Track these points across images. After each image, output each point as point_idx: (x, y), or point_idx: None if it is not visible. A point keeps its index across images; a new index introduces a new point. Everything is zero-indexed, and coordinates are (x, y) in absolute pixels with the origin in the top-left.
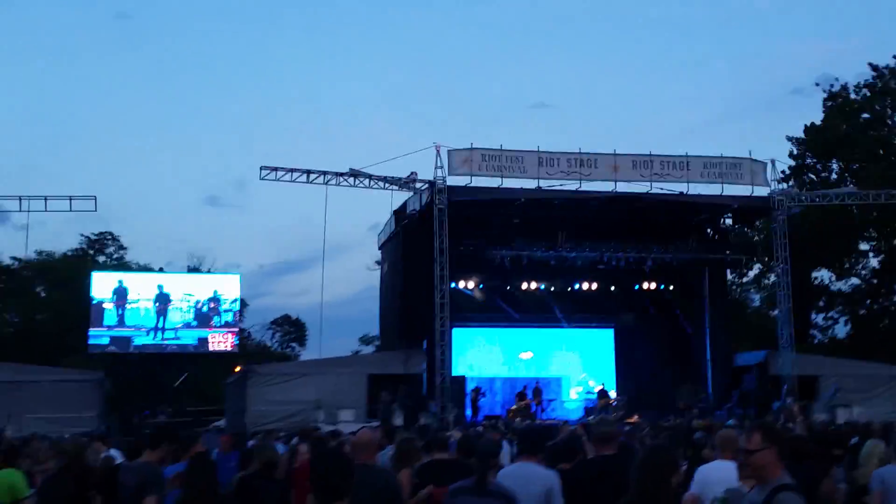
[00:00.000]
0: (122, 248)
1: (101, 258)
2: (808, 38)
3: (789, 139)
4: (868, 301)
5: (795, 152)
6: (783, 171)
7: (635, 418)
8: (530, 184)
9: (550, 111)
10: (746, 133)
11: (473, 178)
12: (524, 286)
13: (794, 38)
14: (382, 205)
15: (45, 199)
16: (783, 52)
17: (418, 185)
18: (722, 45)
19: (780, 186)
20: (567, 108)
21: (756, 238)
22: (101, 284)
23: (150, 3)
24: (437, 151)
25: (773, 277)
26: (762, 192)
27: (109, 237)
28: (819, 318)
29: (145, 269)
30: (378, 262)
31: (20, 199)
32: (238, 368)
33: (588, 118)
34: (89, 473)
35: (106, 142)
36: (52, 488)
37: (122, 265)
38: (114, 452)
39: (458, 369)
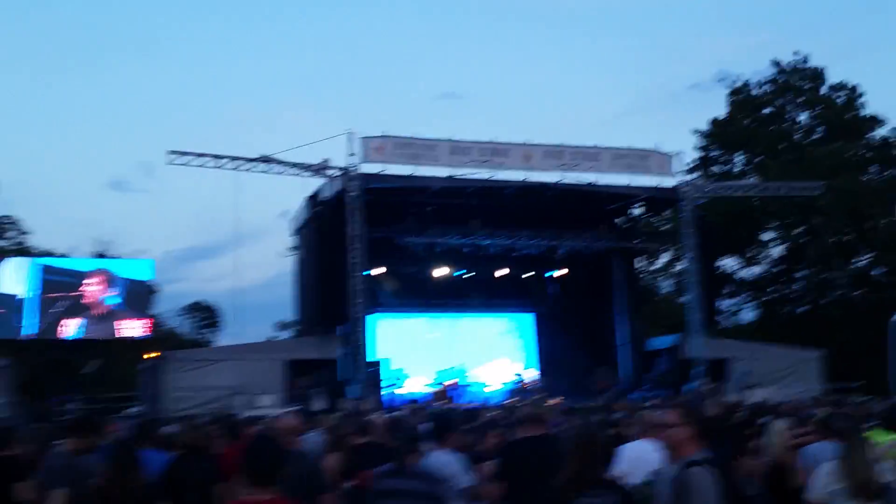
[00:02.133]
0: (23, 232)
1: (2, 243)
2: (707, 34)
3: (696, 132)
4: (772, 288)
5: (701, 145)
6: (689, 163)
7: (558, 400)
8: (443, 172)
9: (463, 101)
10: (652, 126)
11: (387, 166)
12: (438, 273)
13: (693, 35)
14: (295, 191)
15: None
16: (683, 47)
17: (331, 172)
18: (627, 39)
19: (687, 178)
20: (478, 99)
21: (664, 227)
22: (11, 271)
23: None
24: (350, 138)
25: (681, 265)
26: (670, 182)
27: (10, 221)
28: (725, 305)
29: (48, 254)
30: (291, 249)
31: None
32: (150, 355)
33: (500, 109)
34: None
35: (5, 124)
36: None
37: (23, 250)
38: None
39: (379, 355)
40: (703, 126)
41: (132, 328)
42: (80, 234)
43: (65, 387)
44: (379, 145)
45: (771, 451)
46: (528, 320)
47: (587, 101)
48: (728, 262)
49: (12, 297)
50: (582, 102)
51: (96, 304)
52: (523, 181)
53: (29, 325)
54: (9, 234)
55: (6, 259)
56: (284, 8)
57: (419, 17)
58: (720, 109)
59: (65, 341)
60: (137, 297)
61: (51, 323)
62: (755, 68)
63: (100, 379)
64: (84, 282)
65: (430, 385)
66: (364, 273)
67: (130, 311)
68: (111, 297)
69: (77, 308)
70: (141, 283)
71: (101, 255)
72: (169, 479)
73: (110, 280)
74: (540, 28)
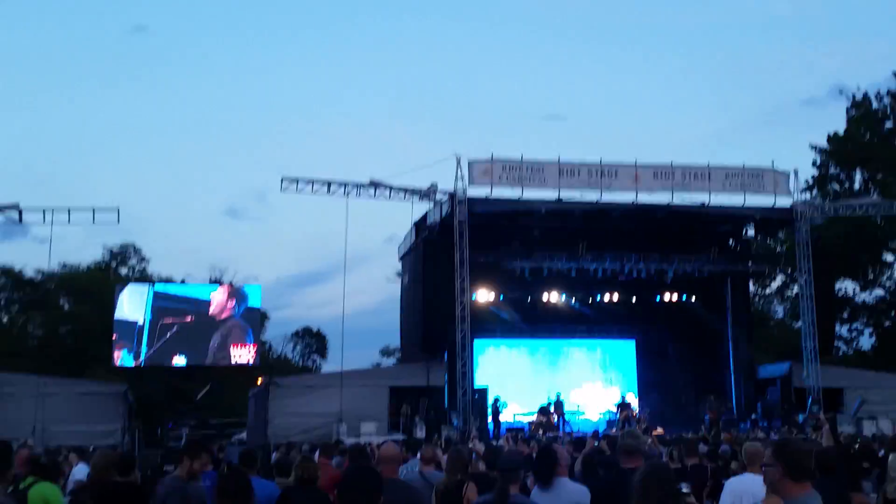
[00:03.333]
0: (143, 259)
1: (124, 270)
2: (820, 47)
3: (812, 148)
4: (893, 312)
5: (819, 161)
6: (806, 181)
7: (659, 430)
8: (551, 194)
9: (569, 122)
10: (764, 144)
11: (493, 189)
12: (545, 298)
13: (805, 48)
14: (403, 216)
15: (69, 211)
16: (795, 62)
17: (438, 196)
18: (739, 53)
19: (804, 196)
20: (583, 119)
21: (779, 249)
22: (130, 298)
23: (168, 15)
24: (458, 162)
25: (796, 289)
26: (785, 202)
27: (132, 249)
28: (843, 330)
29: (167, 281)
30: (398, 274)
31: (43, 212)
32: (260, 380)
33: (605, 129)
34: (116, 488)
35: (128, 153)
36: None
37: (143, 277)
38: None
39: (479, 381)
40: (819, 143)
41: (242, 355)
42: (198, 260)
43: (178, 412)
44: (486, 168)
45: (891, 486)
46: (630, 346)
47: (695, 119)
48: (846, 285)
49: (133, 323)
50: (689, 121)
51: (221, 317)
52: (633, 203)
53: (145, 352)
54: (130, 261)
55: (125, 286)
56: (391, 32)
57: (523, 40)
58: (837, 125)
59: (177, 368)
60: (248, 321)
61: (163, 350)
62: (874, 80)
63: (211, 404)
64: (209, 298)
65: (531, 413)
66: (471, 298)
67: (245, 332)
68: (234, 311)
69: (191, 331)
70: (250, 308)
71: (216, 282)
72: None
73: (232, 293)
74: (645, 46)
